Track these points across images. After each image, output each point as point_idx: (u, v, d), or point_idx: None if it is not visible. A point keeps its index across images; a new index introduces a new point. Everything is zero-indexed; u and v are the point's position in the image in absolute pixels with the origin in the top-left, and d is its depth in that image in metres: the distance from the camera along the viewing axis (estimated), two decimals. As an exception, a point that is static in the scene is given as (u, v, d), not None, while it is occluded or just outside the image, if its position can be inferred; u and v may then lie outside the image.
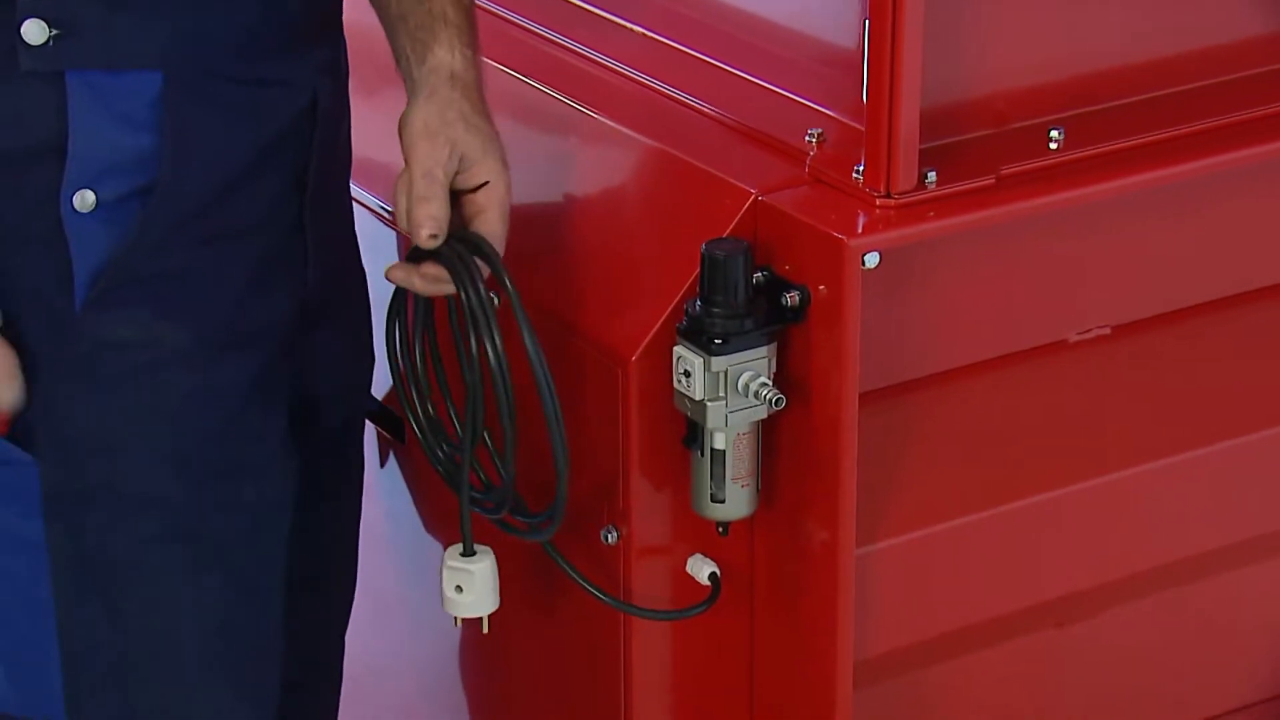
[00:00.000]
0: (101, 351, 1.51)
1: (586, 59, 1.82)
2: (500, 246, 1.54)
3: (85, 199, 1.47)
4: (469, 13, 1.62)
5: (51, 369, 1.51)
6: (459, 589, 1.62)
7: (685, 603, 1.61)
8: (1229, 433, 1.74)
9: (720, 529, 1.58)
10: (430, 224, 1.50)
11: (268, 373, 1.59)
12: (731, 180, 1.57)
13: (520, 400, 1.54)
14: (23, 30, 1.40)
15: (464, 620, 1.65)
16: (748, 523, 1.59)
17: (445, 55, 1.59)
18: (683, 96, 1.72)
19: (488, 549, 1.62)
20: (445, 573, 1.62)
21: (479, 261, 1.51)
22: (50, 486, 1.53)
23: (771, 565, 1.61)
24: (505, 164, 1.56)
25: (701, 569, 1.59)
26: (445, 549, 1.63)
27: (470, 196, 1.54)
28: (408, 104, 1.56)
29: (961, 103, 1.59)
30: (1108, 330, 1.73)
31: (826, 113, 1.62)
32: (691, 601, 1.60)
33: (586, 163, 1.74)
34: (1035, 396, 1.70)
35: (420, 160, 1.52)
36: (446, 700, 1.97)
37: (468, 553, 1.60)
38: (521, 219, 1.71)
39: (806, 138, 1.58)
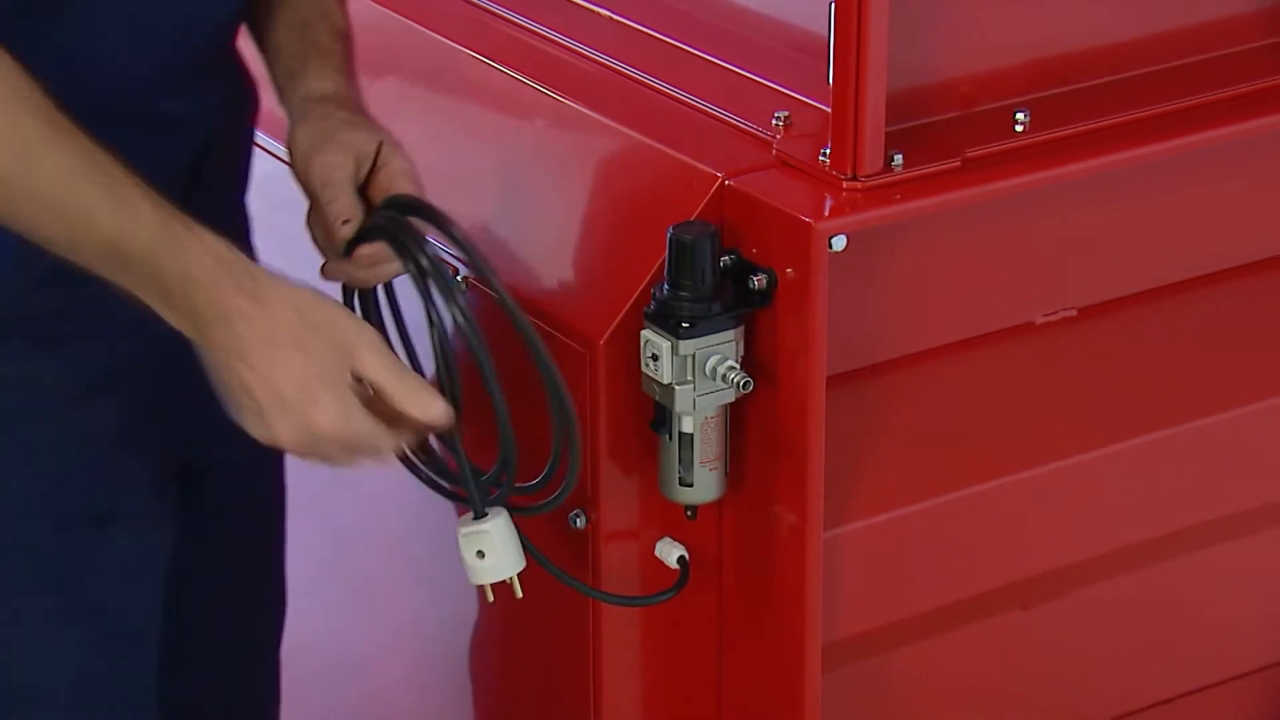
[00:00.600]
0: None
1: (553, 43, 1.83)
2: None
3: None
4: (343, 39, 1.62)
5: None
6: (480, 554, 1.56)
7: (654, 586, 1.61)
8: (1194, 414, 1.76)
9: (688, 513, 1.59)
10: (341, 214, 1.50)
11: (142, 416, 1.57)
12: (698, 164, 1.57)
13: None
14: None
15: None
16: (716, 506, 1.60)
17: (316, 83, 1.59)
18: (649, 80, 1.72)
19: (500, 508, 1.57)
20: (462, 542, 1.56)
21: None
22: None
23: (740, 549, 1.61)
24: (398, 143, 1.55)
25: (670, 552, 1.60)
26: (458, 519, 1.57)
27: (375, 180, 1.54)
28: (288, 134, 1.57)
29: (927, 85, 1.60)
30: (1073, 312, 1.74)
31: (792, 95, 1.63)
32: (660, 585, 1.61)
33: (552, 147, 1.75)
34: (1002, 379, 1.71)
35: (316, 174, 1.52)
36: (422, 686, 1.98)
37: (479, 515, 1.56)
38: (488, 204, 1.71)
39: (773, 121, 1.59)
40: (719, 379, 1.51)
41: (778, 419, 1.53)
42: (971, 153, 1.56)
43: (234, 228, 1.63)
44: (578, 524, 1.59)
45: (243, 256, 1.41)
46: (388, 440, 1.43)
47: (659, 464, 1.57)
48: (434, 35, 1.89)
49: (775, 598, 1.58)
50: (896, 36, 1.49)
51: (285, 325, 1.39)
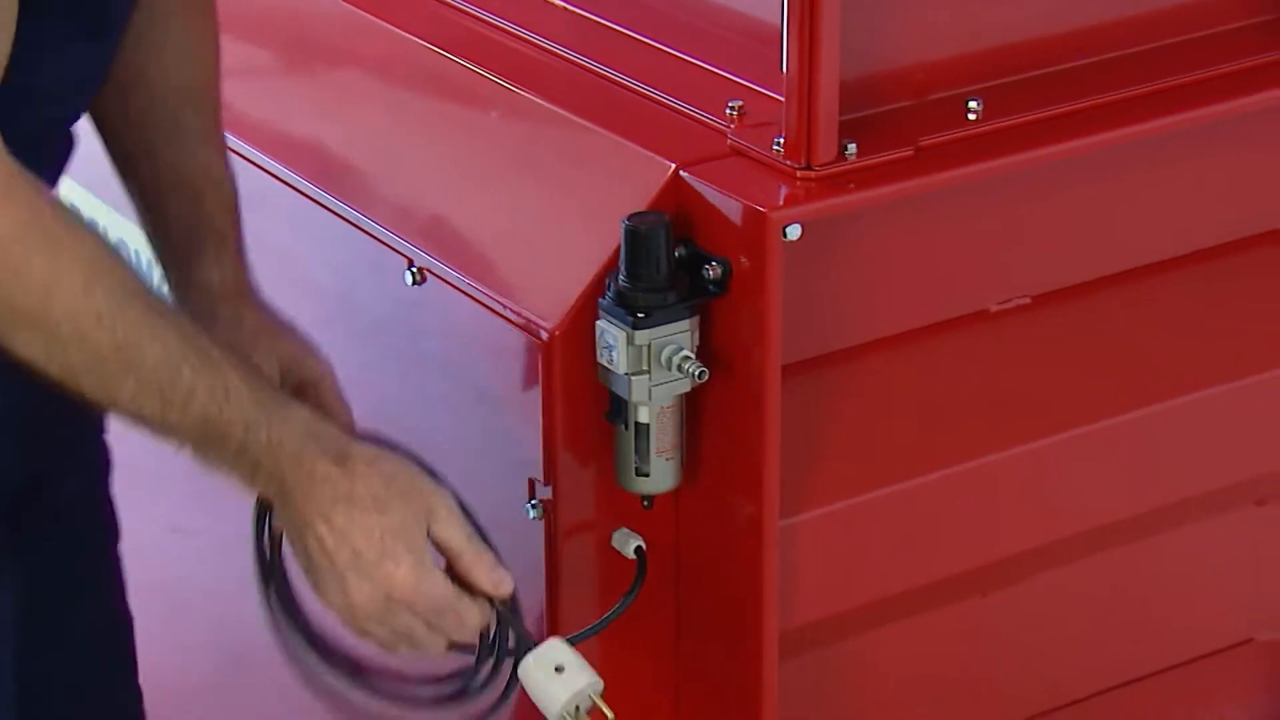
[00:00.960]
0: None
1: (508, 34, 1.84)
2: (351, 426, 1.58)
3: None
4: (235, 212, 1.64)
5: None
6: (559, 669, 1.52)
7: (611, 576, 1.61)
8: (1147, 400, 1.77)
9: (645, 502, 1.59)
10: None
11: None
12: (651, 154, 1.58)
13: None
14: None
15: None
16: (672, 496, 1.60)
17: (212, 271, 1.61)
18: (603, 70, 1.73)
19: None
20: (533, 669, 1.52)
21: None
22: None
23: (696, 538, 1.62)
24: (308, 343, 1.60)
25: (627, 543, 1.60)
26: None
27: (296, 390, 1.57)
28: (214, 314, 1.59)
29: (880, 74, 1.61)
30: (1028, 300, 1.75)
31: (746, 85, 1.64)
32: (618, 575, 1.61)
33: (507, 137, 1.75)
34: (957, 366, 1.72)
35: None
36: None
37: (529, 648, 1.54)
38: (445, 194, 1.71)
39: (727, 110, 1.60)
40: (674, 369, 1.51)
41: (733, 408, 1.54)
42: (925, 141, 1.56)
43: None
44: (533, 515, 1.60)
45: (329, 424, 1.45)
46: (471, 611, 1.45)
47: (615, 454, 1.57)
48: (391, 28, 1.89)
49: (732, 586, 1.59)
50: (849, 25, 1.50)
51: (366, 486, 1.42)
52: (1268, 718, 1.97)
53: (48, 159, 1.56)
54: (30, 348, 1.37)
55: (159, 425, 1.42)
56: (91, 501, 1.77)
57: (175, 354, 1.40)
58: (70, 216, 1.38)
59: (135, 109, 1.63)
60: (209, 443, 1.43)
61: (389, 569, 1.42)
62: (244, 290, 1.61)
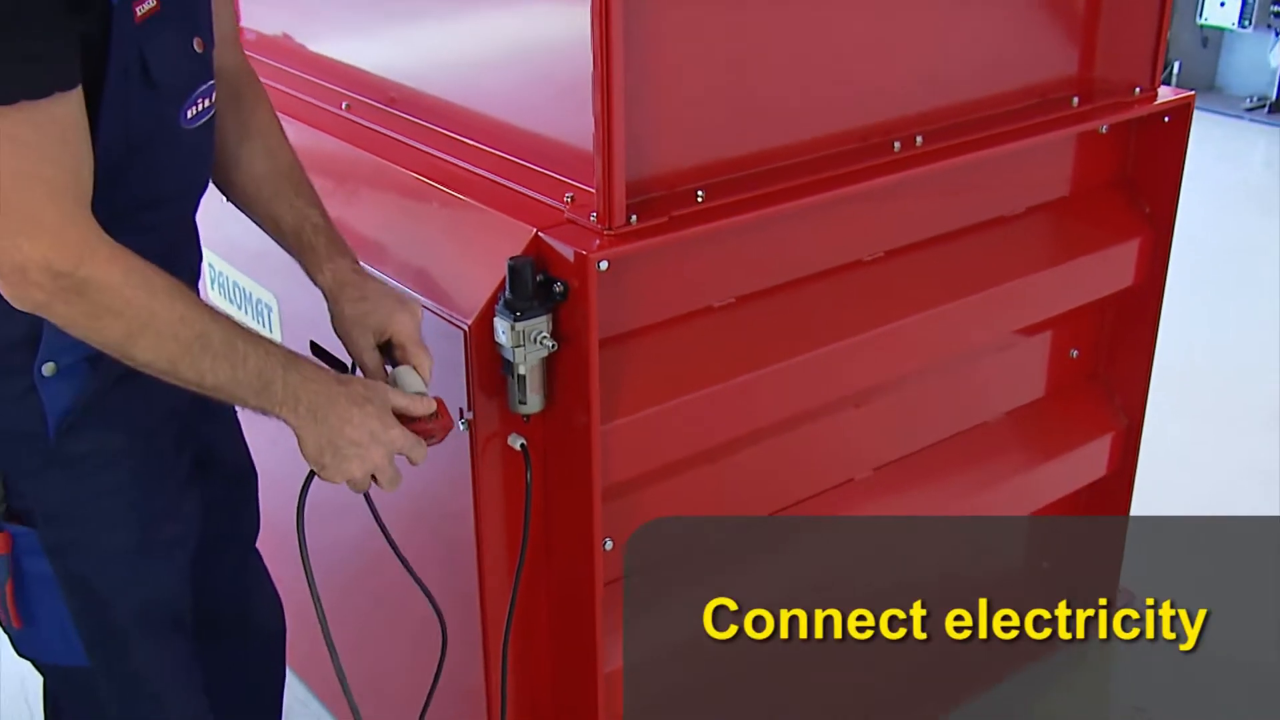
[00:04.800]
0: (71, 460, 1.66)
1: (435, 157, 2.15)
2: (423, 359, 1.80)
3: (50, 367, 1.62)
4: (329, 229, 1.81)
5: (41, 475, 1.67)
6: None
7: (508, 464, 1.96)
8: (802, 352, 2.12)
9: (525, 419, 1.95)
10: (379, 366, 1.78)
11: (177, 446, 1.76)
12: (522, 223, 1.92)
13: None
14: None
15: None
16: (541, 415, 1.95)
17: (328, 270, 1.80)
18: (493, 177, 2.06)
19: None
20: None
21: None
22: (47, 542, 1.68)
23: (555, 438, 1.97)
24: (400, 300, 1.78)
25: (516, 441, 1.98)
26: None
27: (392, 341, 1.83)
28: (330, 308, 1.80)
29: (649, 177, 1.95)
30: (734, 299, 2.09)
31: (575, 184, 1.97)
32: (511, 463, 1.96)
33: (440, 216, 2.06)
34: (696, 339, 2.04)
35: (356, 346, 1.79)
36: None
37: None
38: (408, 250, 2.01)
39: (565, 198, 1.95)
40: (539, 343, 1.86)
41: (573, 364, 1.88)
42: (675, 214, 1.93)
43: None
44: (461, 426, 1.93)
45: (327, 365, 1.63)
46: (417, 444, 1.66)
47: (508, 392, 1.93)
48: (369, 155, 2.16)
49: (576, 462, 1.94)
50: (630, 153, 1.86)
51: (358, 390, 1.59)
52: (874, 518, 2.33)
53: (183, 266, 1.73)
54: (145, 352, 1.49)
55: (231, 384, 1.53)
56: (242, 460, 2.02)
57: (230, 333, 1.53)
58: (150, 266, 1.50)
59: (253, 195, 1.84)
60: (264, 390, 1.55)
61: (391, 435, 1.65)
62: (345, 274, 1.79)
